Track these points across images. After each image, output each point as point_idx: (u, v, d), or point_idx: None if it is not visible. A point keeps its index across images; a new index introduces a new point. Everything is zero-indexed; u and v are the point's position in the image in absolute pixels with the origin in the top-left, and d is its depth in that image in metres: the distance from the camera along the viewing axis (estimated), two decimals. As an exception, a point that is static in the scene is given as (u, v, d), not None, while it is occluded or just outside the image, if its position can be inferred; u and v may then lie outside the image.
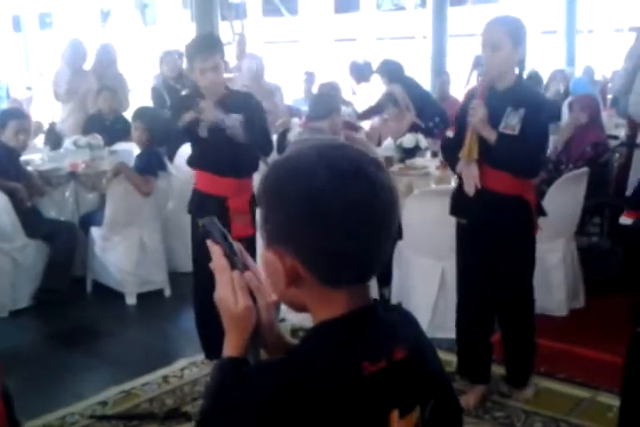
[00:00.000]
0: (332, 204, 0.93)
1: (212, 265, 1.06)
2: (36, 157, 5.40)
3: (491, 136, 2.77)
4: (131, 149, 5.26)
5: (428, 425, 1.01)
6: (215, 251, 1.05)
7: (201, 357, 3.52)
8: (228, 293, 1.02)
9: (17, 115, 4.73)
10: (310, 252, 0.95)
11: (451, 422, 1.08)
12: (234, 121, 3.19)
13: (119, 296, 4.47)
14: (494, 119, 2.79)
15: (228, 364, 1.03)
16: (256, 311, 1.03)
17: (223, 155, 3.25)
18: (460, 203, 2.99)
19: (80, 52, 6.31)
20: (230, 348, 1.04)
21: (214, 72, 3.19)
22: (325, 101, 3.96)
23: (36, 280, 4.44)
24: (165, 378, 3.40)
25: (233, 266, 1.05)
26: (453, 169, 3.03)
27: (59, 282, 4.46)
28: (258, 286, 1.04)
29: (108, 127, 5.84)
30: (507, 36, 2.74)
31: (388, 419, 0.96)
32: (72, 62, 6.21)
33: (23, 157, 4.88)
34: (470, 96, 2.95)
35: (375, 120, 6.01)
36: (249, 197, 3.31)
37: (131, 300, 4.46)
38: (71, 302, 4.43)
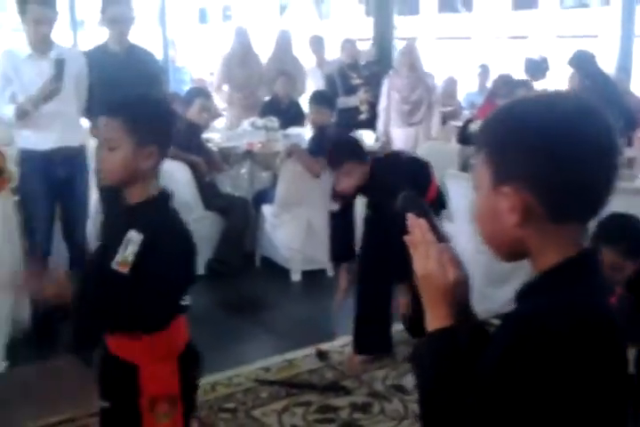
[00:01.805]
0: (573, 136, 0.92)
1: (412, 238, 1.04)
2: (215, 136, 5.69)
3: None
4: (303, 134, 5.40)
5: None
6: (420, 224, 1.05)
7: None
8: (436, 266, 1.02)
9: (203, 93, 4.98)
10: (546, 185, 0.93)
11: None
12: None
13: (285, 272, 4.61)
14: None
15: (450, 334, 1.01)
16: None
17: None
18: None
19: (245, 39, 6.55)
20: (441, 319, 1.01)
21: None
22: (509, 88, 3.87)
23: (211, 251, 4.67)
24: (327, 353, 3.46)
25: (439, 239, 1.04)
26: None
27: (231, 254, 4.66)
28: (457, 258, 1.05)
29: (283, 111, 6.02)
30: None
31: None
32: (238, 50, 6.48)
33: (204, 135, 5.15)
34: None
35: None
36: None
37: (296, 276, 4.59)
38: (241, 274, 4.62)
